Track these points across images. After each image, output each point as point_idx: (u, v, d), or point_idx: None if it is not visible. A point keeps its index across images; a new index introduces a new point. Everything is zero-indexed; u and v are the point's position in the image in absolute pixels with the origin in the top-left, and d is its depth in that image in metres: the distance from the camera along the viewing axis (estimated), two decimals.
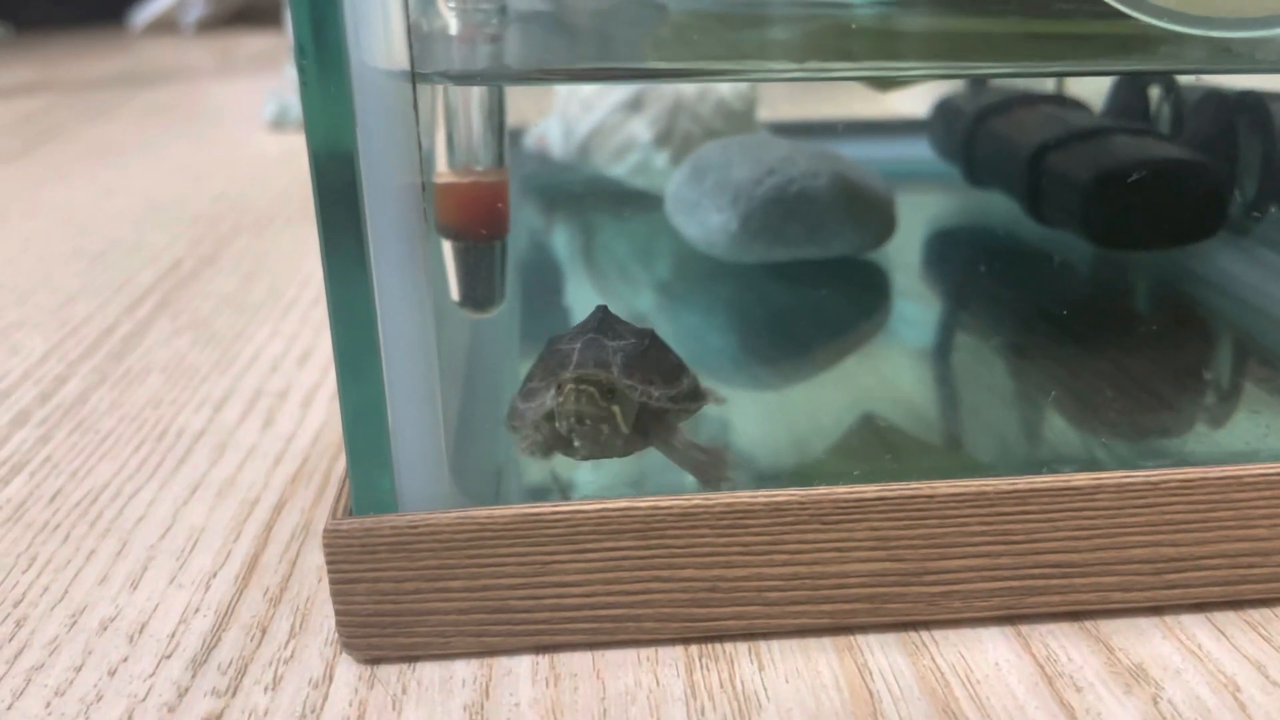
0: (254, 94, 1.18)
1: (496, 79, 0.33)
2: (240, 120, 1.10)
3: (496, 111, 0.40)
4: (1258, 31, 0.27)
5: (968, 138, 0.57)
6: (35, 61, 1.55)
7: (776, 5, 0.30)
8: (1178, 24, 0.26)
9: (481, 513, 0.28)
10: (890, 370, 0.43)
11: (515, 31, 0.31)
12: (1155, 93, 0.51)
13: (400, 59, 0.26)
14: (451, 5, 0.32)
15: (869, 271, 0.52)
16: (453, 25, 0.32)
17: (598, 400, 0.29)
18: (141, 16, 1.86)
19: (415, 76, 0.27)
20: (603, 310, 0.32)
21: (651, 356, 0.31)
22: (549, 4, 0.33)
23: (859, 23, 0.28)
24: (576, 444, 0.29)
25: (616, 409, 0.29)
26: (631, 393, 0.30)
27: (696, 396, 0.32)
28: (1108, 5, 0.26)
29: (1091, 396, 0.39)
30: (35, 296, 0.59)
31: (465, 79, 0.31)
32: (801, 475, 0.36)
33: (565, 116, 0.63)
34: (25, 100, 1.24)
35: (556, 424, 0.29)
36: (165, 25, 1.86)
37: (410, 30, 0.26)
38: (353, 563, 0.28)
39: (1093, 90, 0.56)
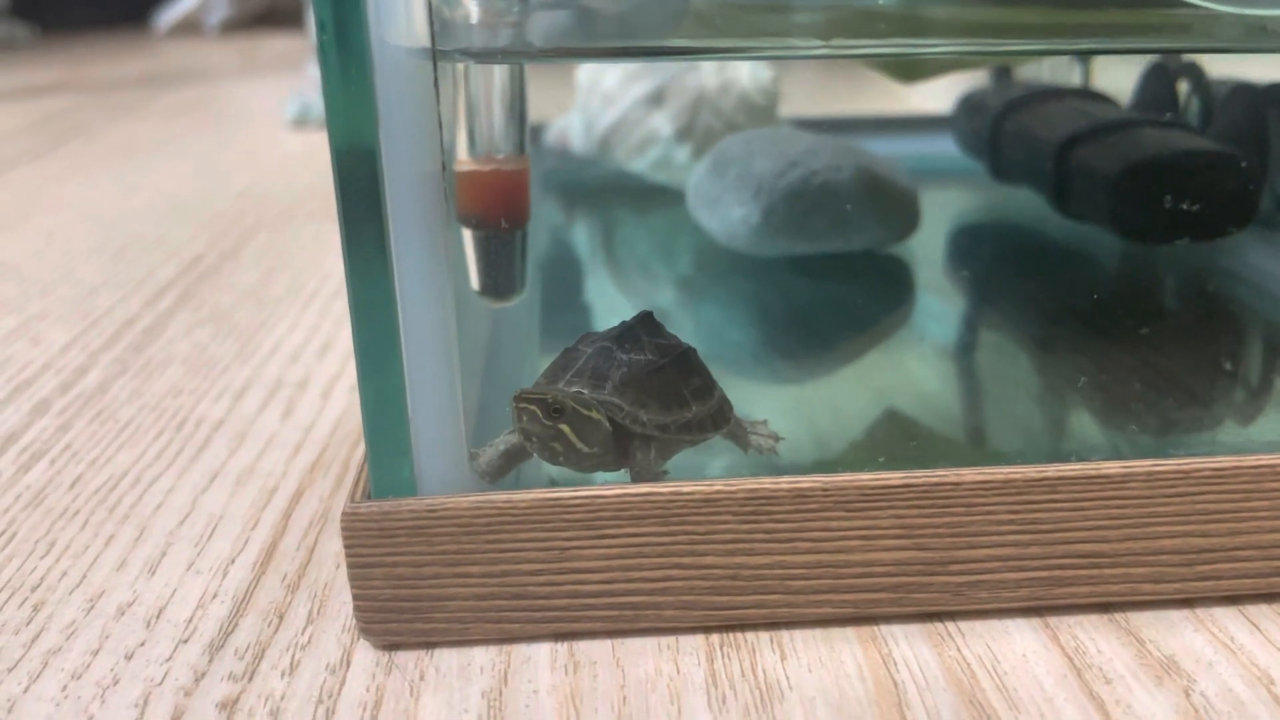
0: (276, 94, 1.19)
1: (517, 57, 0.33)
2: (263, 120, 1.10)
3: (517, 99, 0.40)
4: None
5: (993, 132, 0.57)
6: (60, 62, 1.57)
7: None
8: (1215, 2, 0.25)
9: (501, 497, 0.28)
10: (913, 365, 0.42)
11: (537, 12, 0.31)
12: (1183, 86, 0.50)
13: (421, 36, 0.26)
14: None
15: (892, 266, 0.52)
16: (474, 13, 0.32)
17: (540, 419, 0.28)
18: (166, 18, 1.87)
19: (436, 54, 0.26)
20: (641, 316, 0.31)
21: (663, 377, 0.30)
22: None
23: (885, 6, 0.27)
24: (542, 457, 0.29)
25: (566, 428, 0.28)
26: (616, 413, 0.29)
27: (713, 426, 0.31)
28: None
29: (1119, 391, 0.38)
30: (58, 289, 0.59)
31: (486, 56, 0.30)
32: (824, 469, 0.35)
33: (586, 111, 0.63)
34: (50, 100, 1.24)
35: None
36: (189, 26, 1.87)
37: (431, 7, 0.26)
38: (370, 547, 0.28)
39: (1119, 83, 0.55)
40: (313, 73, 1.12)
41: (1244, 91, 0.47)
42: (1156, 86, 0.52)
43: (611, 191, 0.64)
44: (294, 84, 1.20)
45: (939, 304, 0.49)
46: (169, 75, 1.44)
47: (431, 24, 0.26)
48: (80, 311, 0.56)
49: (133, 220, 0.73)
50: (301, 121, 1.04)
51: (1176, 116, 0.50)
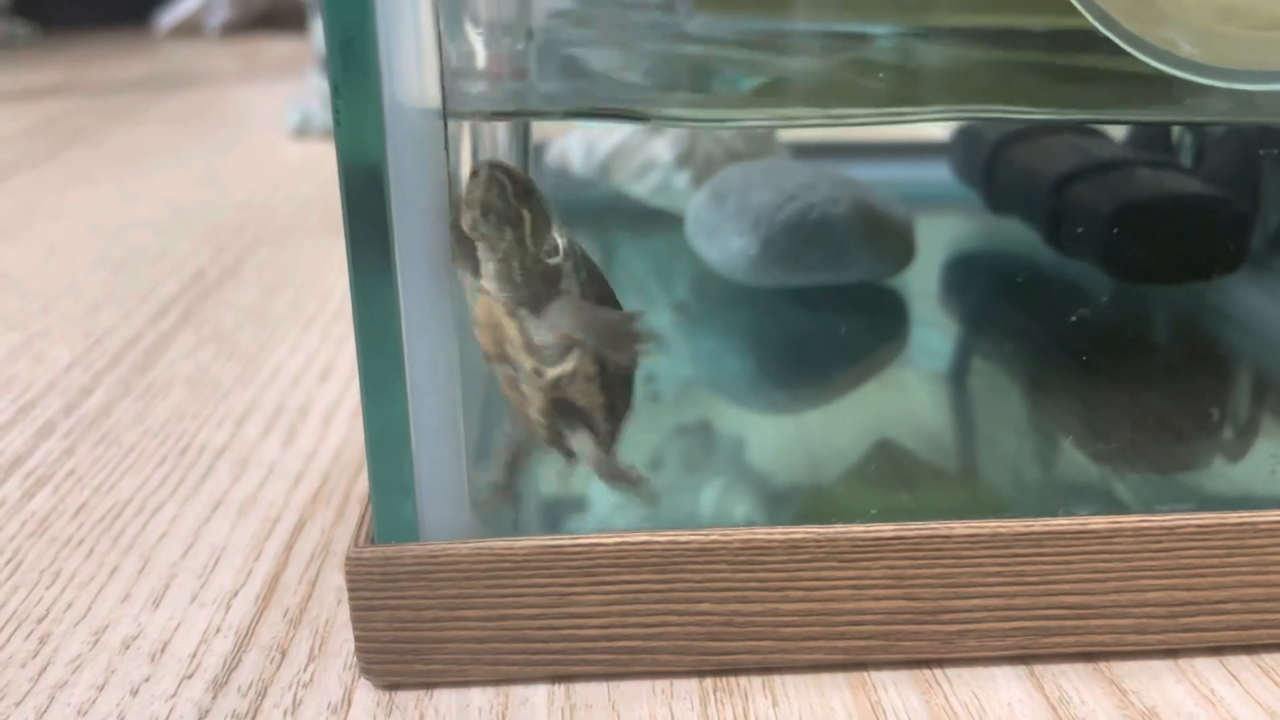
0: (278, 99, 1.19)
1: (528, 117, 0.34)
2: (264, 126, 1.10)
3: (521, 131, 0.40)
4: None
5: (989, 164, 0.57)
6: (60, 63, 1.57)
7: (802, 40, 0.31)
8: (1202, 76, 0.26)
9: (500, 543, 0.28)
10: (908, 398, 0.43)
11: (542, 65, 0.32)
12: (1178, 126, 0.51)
13: (433, 97, 0.27)
14: (479, 32, 0.33)
15: (888, 297, 0.52)
16: (480, 55, 0.32)
17: (509, 195, 0.25)
18: (167, 19, 1.88)
19: (447, 114, 0.27)
20: None
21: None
22: (576, 35, 0.33)
23: (883, 70, 0.28)
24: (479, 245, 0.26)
25: (528, 214, 0.26)
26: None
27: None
28: (1132, 59, 0.26)
29: (1110, 432, 0.39)
30: (60, 305, 0.60)
31: (498, 117, 0.31)
32: (817, 502, 0.36)
33: (587, 134, 0.63)
34: (50, 102, 1.25)
35: (462, 222, 0.26)
36: (190, 28, 1.87)
37: (443, 70, 0.26)
38: (373, 590, 0.29)
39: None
40: (314, 80, 1.12)
41: (1238, 132, 0.48)
42: (1151, 125, 0.52)
43: (610, 214, 0.64)
44: (295, 89, 1.21)
45: (934, 336, 0.50)
46: (170, 78, 1.44)
47: (443, 85, 0.27)
48: (83, 329, 0.56)
49: (134, 231, 0.74)
50: (303, 131, 1.04)
51: (1172, 156, 0.51)
